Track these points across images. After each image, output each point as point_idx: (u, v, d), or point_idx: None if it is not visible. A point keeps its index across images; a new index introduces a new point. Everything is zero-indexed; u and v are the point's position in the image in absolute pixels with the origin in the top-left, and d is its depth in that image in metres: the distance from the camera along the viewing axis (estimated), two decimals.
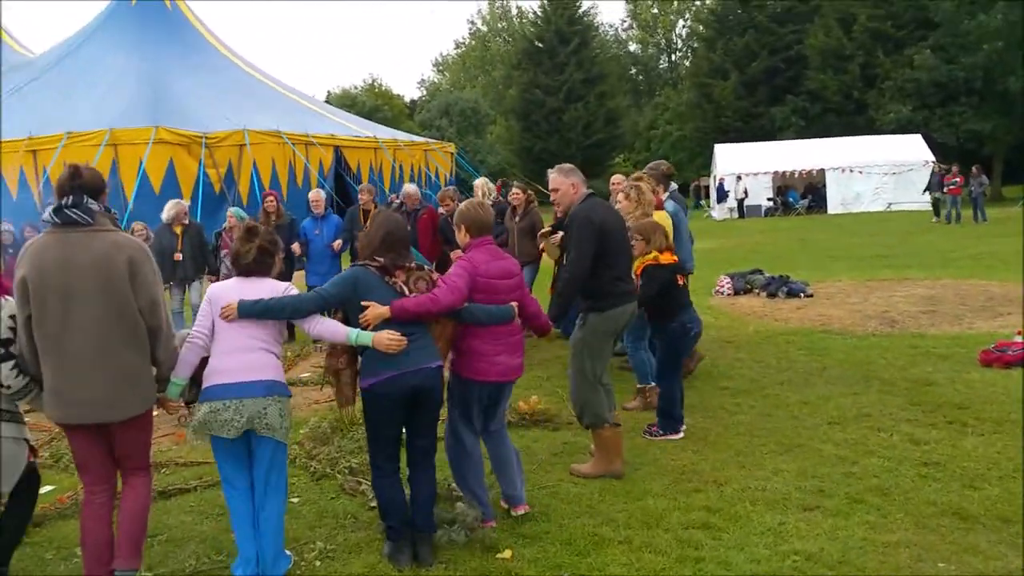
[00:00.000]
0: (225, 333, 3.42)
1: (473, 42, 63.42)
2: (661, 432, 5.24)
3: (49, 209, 3.20)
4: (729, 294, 10.99)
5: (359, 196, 9.50)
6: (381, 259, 3.63)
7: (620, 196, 5.92)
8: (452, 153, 23.07)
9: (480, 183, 9.67)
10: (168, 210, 9.19)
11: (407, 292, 3.61)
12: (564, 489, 4.45)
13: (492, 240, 4.02)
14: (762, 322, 9.05)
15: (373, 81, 55.66)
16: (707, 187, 38.33)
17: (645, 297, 5.11)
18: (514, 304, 3.92)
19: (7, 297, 3.27)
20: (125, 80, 16.95)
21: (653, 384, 5.84)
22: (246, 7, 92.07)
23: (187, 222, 9.17)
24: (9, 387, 3.21)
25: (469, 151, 37.81)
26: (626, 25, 60.30)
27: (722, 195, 29.73)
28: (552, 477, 4.68)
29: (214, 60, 19.47)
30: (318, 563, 3.69)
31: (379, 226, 3.72)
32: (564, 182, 4.66)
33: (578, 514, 4.11)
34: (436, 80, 65.65)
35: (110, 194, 11.43)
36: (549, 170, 4.91)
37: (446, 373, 3.87)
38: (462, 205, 4.10)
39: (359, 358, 3.69)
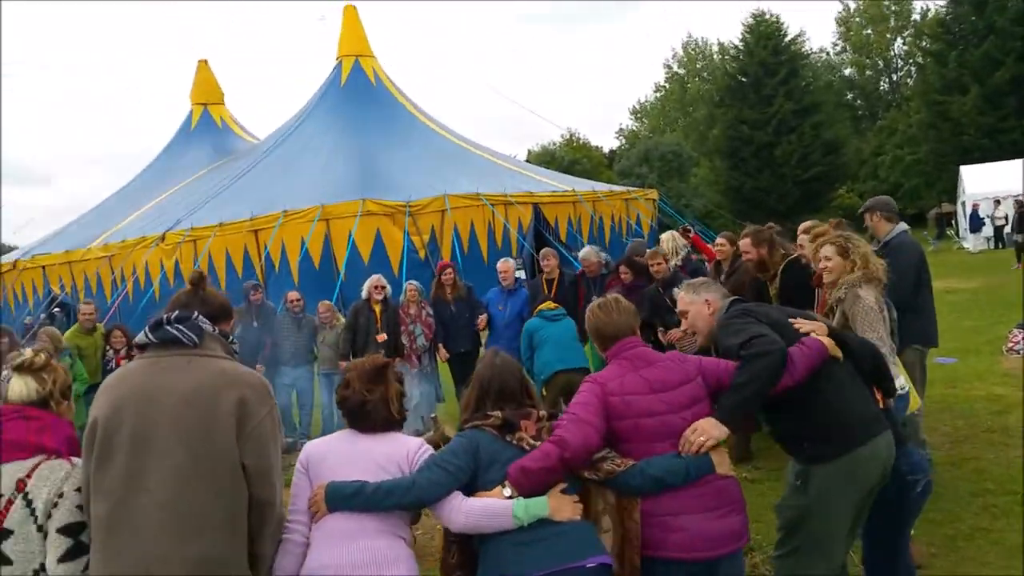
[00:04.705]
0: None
1: (670, 85, 62.02)
2: None
3: (147, 327, 2.32)
4: None
5: (541, 263, 8.05)
6: (498, 412, 2.59)
7: (826, 251, 4.02)
8: (654, 200, 21.84)
9: (666, 238, 7.88)
10: (366, 286, 8.33)
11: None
12: None
13: (638, 343, 2.83)
14: None
15: (571, 135, 55.94)
16: (949, 214, 33.66)
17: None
18: (720, 455, 2.64)
19: (76, 460, 2.33)
20: (336, 157, 17.69)
21: None
22: (448, 76, 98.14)
23: (383, 297, 8.16)
24: None
25: (672, 196, 36.20)
26: (838, 49, 56.08)
27: (976, 223, 25.56)
28: None
29: (415, 129, 19.93)
30: None
31: (489, 374, 2.73)
32: (695, 302, 3.17)
33: None
34: (635, 128, 64.88)
35: (322, 263, 10.93)
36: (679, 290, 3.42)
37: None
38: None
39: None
